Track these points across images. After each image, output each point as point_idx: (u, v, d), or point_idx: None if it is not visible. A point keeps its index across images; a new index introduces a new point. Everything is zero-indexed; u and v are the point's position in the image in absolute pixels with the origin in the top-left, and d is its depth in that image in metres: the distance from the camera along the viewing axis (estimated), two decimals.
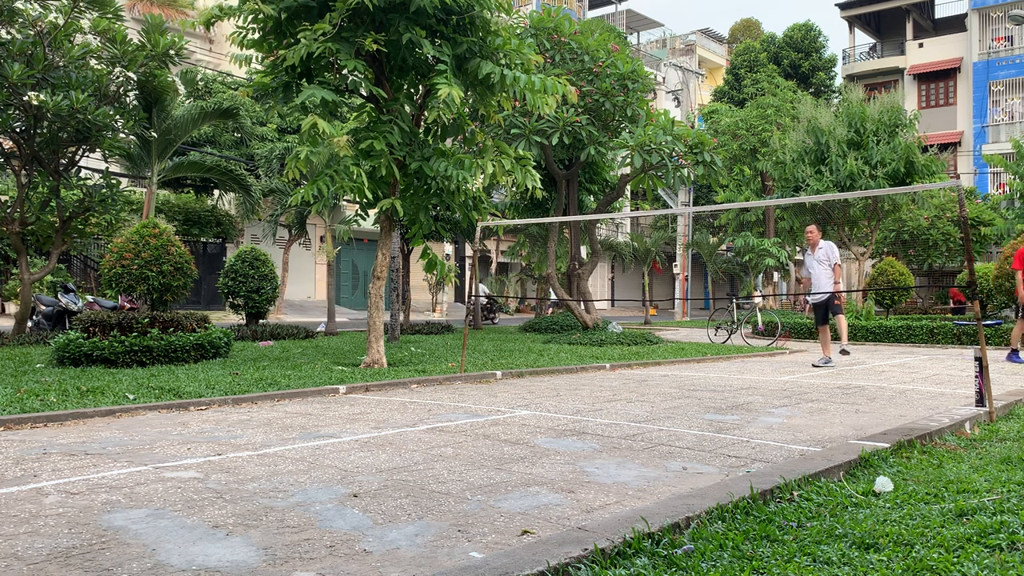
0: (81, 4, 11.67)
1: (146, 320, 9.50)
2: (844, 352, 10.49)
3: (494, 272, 37.05)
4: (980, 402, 5.82)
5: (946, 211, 26.75)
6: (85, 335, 9.20)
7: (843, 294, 11.72)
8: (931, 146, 26.83)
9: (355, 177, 8.51)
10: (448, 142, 9.99)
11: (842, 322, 10.89)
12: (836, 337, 12.47)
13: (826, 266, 10.91)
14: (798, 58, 39.33)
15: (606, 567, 2.51)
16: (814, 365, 10.82)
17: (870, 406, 6.75)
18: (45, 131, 12.00)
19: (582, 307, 17.29)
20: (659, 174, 15.86)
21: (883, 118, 20.53)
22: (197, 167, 18.41)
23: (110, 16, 11.86)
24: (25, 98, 11.10)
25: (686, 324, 27.23)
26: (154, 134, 14.70)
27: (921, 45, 38.80)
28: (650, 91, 17.12)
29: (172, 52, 12.24)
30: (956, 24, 40.02)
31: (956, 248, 26.84)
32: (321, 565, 2.67)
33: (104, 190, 12.66)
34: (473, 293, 9.90)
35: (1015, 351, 11.60)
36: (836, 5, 40.94)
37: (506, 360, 10.40)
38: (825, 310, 11.05)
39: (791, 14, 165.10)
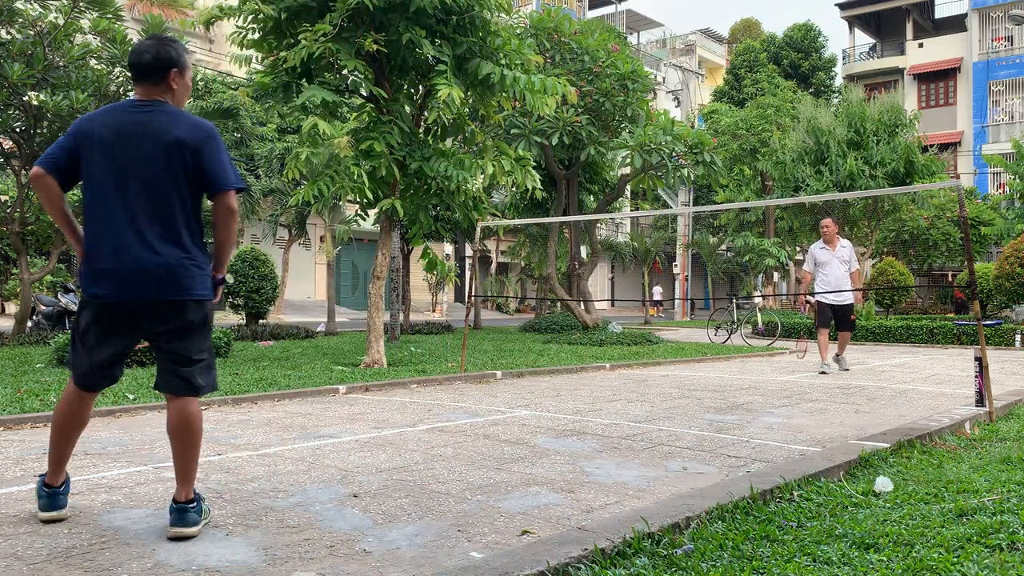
0: (81, 4, 11.65)
1: None
2: (845, 368, 10.02)
3: (494, 272, 37.02)
4: (980, 402, 5.83)
5: (946, 211, 26.74)
6: None
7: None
8: (931, 146, 26.81)
9: (355, 177, 8.51)
10: (448, 142, 9.99)
11: (846, 338, 10.33)
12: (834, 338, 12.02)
13: (846, 268, 9.93)
14: (798, 58, 39.35)
15: (606, 567, 2.51)
16: (821, 372, 9.96)
17: (870, 406, 6.75)
18: (45, 131, 11.99)
19: (582, 307, 17.29)
20: (659, 174, 15.86)
21: (883, 118, 20.53)
22: None
23: (110, 16, 11.85)
24: (25, 98, 11.09)
25: (686, 324, 27.23)
26: None
27: (921, 45, 38.78)
28: (650, 91, 17.11)
29: None
30: (956, 24, 40.00)
31: (956, 248, 26.84)
32: (321, 565, 2.67)
33: None
34: (474, 293, 9.86)
35: None
36: (836, 5, 40.92)
37: (506, 360, 10.40)
38: (833, 315, 10.02)
39: (791, 14, 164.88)
